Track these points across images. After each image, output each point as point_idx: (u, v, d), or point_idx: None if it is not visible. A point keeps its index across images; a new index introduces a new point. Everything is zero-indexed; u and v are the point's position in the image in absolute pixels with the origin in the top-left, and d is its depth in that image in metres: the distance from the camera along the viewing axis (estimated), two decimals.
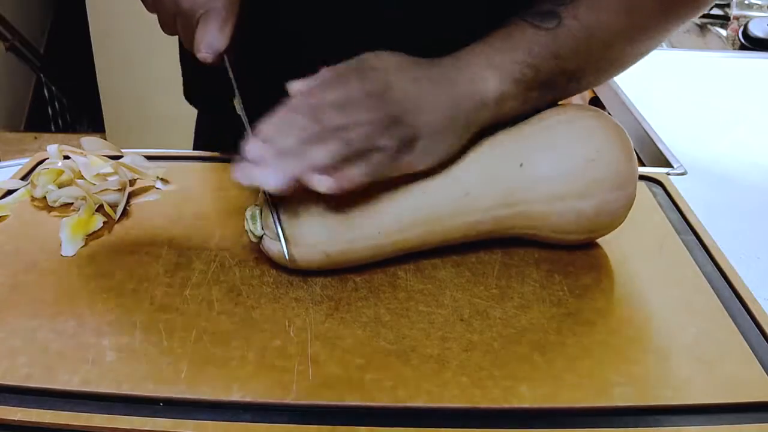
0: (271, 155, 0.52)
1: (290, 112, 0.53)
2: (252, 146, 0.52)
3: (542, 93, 0.59)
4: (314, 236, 0.56)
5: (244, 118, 0.58)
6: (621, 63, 0.62)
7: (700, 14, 0.61)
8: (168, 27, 0.61)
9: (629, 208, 0.61)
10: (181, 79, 0.88)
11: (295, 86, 0.55)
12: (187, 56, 0.84)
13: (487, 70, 0.56)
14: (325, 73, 0.55)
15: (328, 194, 0.52)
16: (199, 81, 0.84)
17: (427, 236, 0.58)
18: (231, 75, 0.58)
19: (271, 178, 0.51)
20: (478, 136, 0.58)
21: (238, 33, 0.59)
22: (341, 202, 0.56)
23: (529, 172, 0.58)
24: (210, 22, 0.59)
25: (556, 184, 0.58)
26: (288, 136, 0.52)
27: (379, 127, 0.53)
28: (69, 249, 0.61)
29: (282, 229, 0.55)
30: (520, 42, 0.57)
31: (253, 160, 0.52)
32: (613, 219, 0.61)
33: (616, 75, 0.63)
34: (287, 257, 0.55)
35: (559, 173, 0.57)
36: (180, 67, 0.86)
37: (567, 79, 0.59)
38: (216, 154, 0.78)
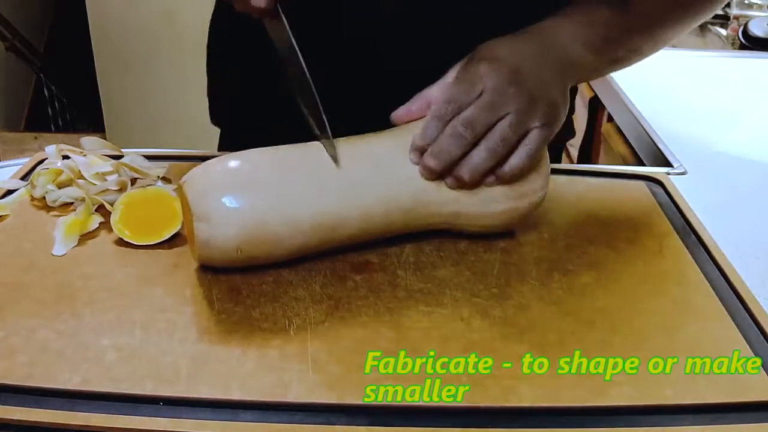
0: (441, 165, 0.58)
1: (439, 121, 0.59)
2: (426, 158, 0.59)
3: (611, 63, 0.68)
4: (228, 209, 0.55)
5: (310, 82, 0.59)
6: (666, 42, 0.71)
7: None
8: None
9: (546, 174, 0.63)
10: (182, 78, 0.88)
11: (434, 93, 0.61)
12: (218, 70, 0.84)
13: (574, 40, 0.63)
14: (454, 74, 0.61)
15: (244, 170, 0.57)
16: (228, 98, 0.84)
17: (345, 211, 0.58)
18: (285, 24, 0.59)
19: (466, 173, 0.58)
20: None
21: None
22: (255, 175, 0.57)
23: None
24: None
25: None
26: (450, 147, 0.58)
27: (527, 111, 0.58)
28: (61, 248, 0.61)
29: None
30: (599, 18, 0.64)
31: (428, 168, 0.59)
32: (531, 184, 0.62)
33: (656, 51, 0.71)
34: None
35: None
36: (207, 88, 0.87)
37: (631, 52, 0.68)
38: (216, 154, 0.78)
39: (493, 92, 0.58)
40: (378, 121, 0.62)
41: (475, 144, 0.58)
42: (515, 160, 0.59)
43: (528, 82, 0.59)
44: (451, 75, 0.61)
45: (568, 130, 0.89)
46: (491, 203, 0.61)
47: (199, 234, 0.56)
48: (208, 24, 0.85)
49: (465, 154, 0.58)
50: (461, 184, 0.59)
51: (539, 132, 0.59)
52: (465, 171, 0.58)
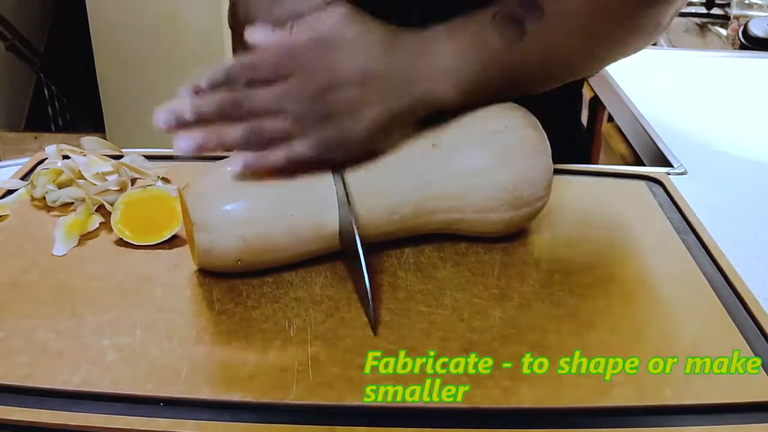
0: (195, 115, 0.52)
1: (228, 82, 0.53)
2: (180, 102, 0.53)
3: (486, 98, 0.59)
4: (229, 220, 0.55)
5: None
6: (573, 75, 0.64)
7: (657, 37, 0.63)
8: None
9: (548, 183, 0.62)
10: (182, 78, 0.88)
11: (256, 37, 0.55)
12: None
13: (443, 75, 0.56)
14: (286, 38, 0.54)
15: (243, 178, 0.54)
16: None
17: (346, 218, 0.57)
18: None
19: (183, 142, 0.52)
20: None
21: None
22: (256, 184, 0.56)
23: (441, 150, 0.59)
24: None
25: (468, 157, 0.59)
26: (212, 104, 0.52)
27: (305, 125, 0.53)
28: (61, 248, 0.61)
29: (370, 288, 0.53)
30: (482, 48, 0.56)
31: (174, 113, 0.52)
32: (533, 192, 0.61)
33: (566, 81, 0.64)
34: (372, 323, 0.53)
35: (471, 146, 0.59)
36: None
37: (515, 87, 0.60)
38: (216, 153, 0.78)
39: (292, 97, 0.53)
40: None
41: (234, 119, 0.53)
42: (272, 157, 0.53)
43: (334, 103, 0.53)
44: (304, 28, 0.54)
45: (577, 132, 0.88)
46: (491, 212, 0.61)
47: (200, 243, 0.56)
48: (208, 24, 0.85)
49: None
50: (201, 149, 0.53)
51: (308, 146, 0.53)
52: (212, 138, 0.53)
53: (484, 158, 0.59)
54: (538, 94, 0.62)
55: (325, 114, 0.53)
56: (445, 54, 0.56)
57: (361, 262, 0.52)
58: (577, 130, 0.88)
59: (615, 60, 0.64)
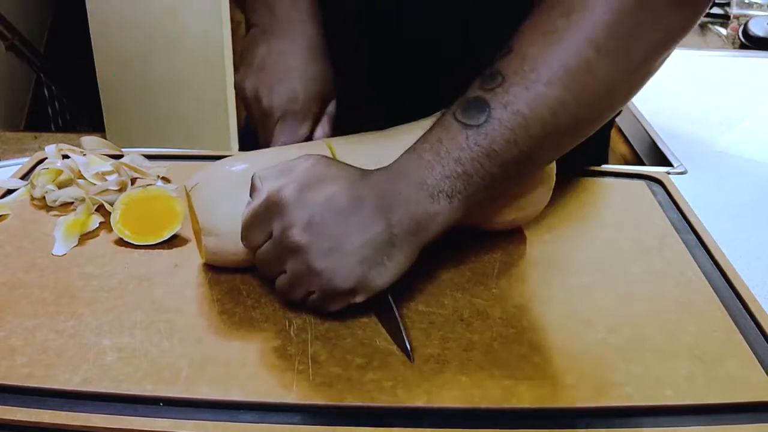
0: None
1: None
2: None
3: (487, 197, 0.55)
4: (237, 224, 0.55)
5: None
6: (560, 145, 0.56)
7: (643, 83, 0.57)
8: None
9: (549, 187, 0.62)
10: (182, 78, 0.88)
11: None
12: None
13: (425, 199, 0.52)
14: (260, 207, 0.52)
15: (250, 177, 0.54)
16: None
17: None
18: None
19: None
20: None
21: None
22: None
23: None
24: (286, 124, 0.66)
25: None
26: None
27: (302, 278, 0.52)
28: (61, 248, 0.62)
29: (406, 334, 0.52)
30: (453, 150, 0.52)
31: None
32: (535, 197, 0.62)
33: (560, 154, 0.58)
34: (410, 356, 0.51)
35: None
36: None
37: (505, 171, 0.54)
38: (216, 153, 0.78)
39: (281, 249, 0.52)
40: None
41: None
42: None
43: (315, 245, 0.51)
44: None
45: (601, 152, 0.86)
46: (495, 215, 0.61)
47: (208, 245, 0.57)
48: (208, 24, 0.85)
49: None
50: None
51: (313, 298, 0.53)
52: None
53: None
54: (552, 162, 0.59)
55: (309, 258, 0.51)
56: (415, 170, 0.53)
57: (390, 302, 0.53)
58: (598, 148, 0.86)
59: (613, 109, 0.57)
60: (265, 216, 0.52)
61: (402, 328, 0.51)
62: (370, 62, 0.75)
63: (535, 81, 0.52)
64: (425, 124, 0.57)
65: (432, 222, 0.53)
